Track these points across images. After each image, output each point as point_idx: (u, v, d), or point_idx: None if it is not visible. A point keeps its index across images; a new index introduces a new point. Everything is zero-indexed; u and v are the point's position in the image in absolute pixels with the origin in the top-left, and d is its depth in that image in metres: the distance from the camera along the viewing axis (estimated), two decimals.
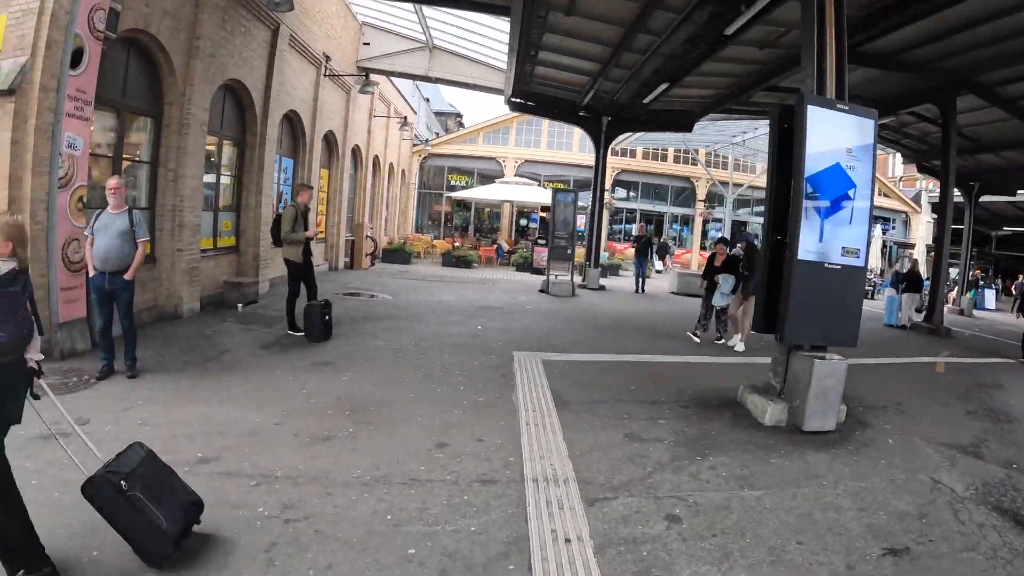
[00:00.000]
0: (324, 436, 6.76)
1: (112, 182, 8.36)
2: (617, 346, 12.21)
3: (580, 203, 23.06)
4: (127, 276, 8.22)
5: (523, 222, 42.73)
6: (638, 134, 29.75)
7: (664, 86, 17.06)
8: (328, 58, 19.62)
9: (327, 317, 11.14)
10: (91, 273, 8.25)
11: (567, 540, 4.86)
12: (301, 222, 11.14)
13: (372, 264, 25.43)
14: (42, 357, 3.96)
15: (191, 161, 12.18)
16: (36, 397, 3.98)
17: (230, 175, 15.25)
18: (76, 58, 8.94)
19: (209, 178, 13.92)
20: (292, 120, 18.12)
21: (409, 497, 5.48)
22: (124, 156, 11.28)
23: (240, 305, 13.56)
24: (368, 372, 9.27)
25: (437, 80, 24.85)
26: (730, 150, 36.86)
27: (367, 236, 24.93)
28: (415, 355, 10.42)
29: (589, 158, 37.35)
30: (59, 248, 8.81)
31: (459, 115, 55.36)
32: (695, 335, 13.15)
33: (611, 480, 6.05)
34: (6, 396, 3.65)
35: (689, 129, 23.22)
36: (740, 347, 12.50)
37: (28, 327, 3.70)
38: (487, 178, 40.41)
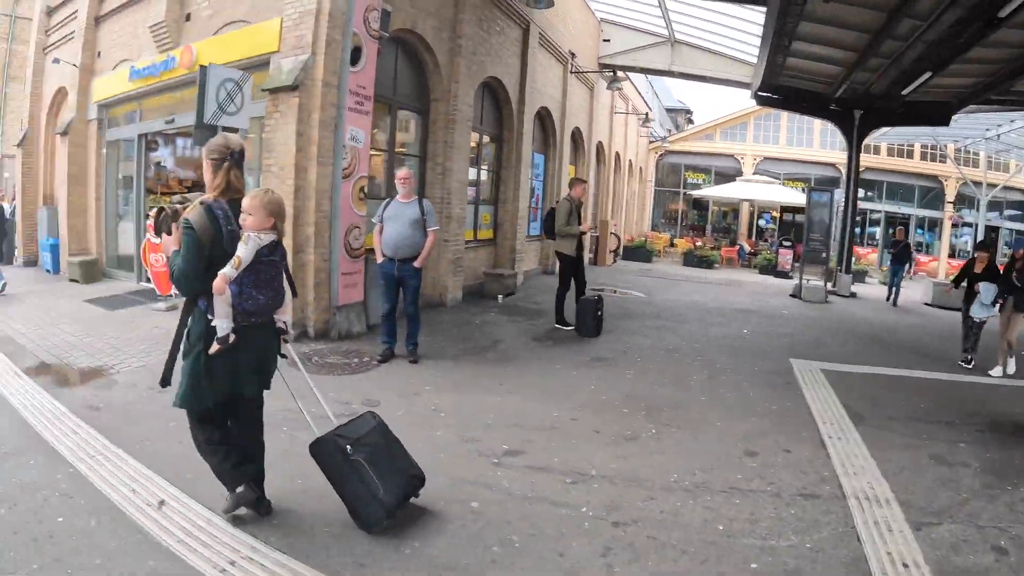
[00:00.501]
0: (628, 435, 6.44)
1: (402, 172, 8.55)
2: (889, 360, 11.00)
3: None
4: (416, 264, 8.31)
5: (761, 222, 40.08)
6: (888, 129, 27.07)
7: (926, 75, 15.42)
8: (573, 55, 19.65)
9: (599, 313, 10.92)
10: (379, 259, 8.44)
11: (904, 565, 4.31)
12: (575, 216, 11.00)
13: (614, 261, 25.23)
14: (289, 318, 4.42)
15: (457, 155, 12.50)
16: (283, 356, 4.36)
17: (489, 170, 15.54)
18: (354, 56, 9.33)
19: (471, 173, 14.24)
20: (542, 117, 18.27)
21: (735, 507, 5.03)
22: (397, 150, 11.73)
23: (500, 296, 13.71)
24: (650, 371, 8.91)
25: (679, 75, 24.00)
26: (982, 145, 32.02)
27: (611, 232, 24.74)
28: (690, 356, 9.96)
29: (830, 155, 34.78)
30: (342, 235, 9.22)
31: (689, 111, 53.25)
32: (966, 363, 11.18)
33: (930, 504, 5.34)
34: (265, 354, 4.17)
35: (945, 123, 20.58)
36: (1011, 368, 10.55)
37: (281, 293, 4.10)
38: (724, 176, 38.31)
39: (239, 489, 4.16)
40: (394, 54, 11.29)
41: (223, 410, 4.17)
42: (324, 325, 9.41)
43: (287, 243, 8.80)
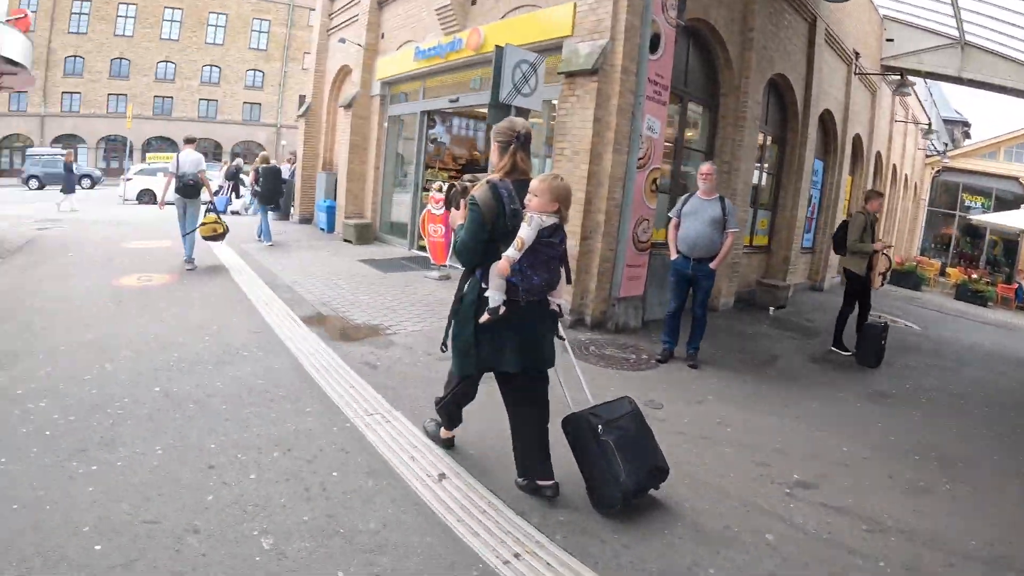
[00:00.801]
0: (921, 486, 5.61)
1: (705, 167, 8.01)
2: None
3: None
4: (712, 265, 7.80)
5: None
6: None
7: None
8: (857, 55, 18.21)
9: (882, 342, 9.88)
10: (673, 256, 8.01)
11: None
12: (870, 232, 9.98)
13: (882, 284, 23.40)
14: (563, 301, 4.41)
15: (745, 155, 11.79)
16: (560, 338, 4.43)
17: (769, 173, 14.68)
18: (653, 43, 8.89)
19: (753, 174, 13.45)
20: (824, 120, 17.01)
21: None
22: (685, 145, 11.23)
23: (772, 308, 12.88)
24: (938, 416, 7.80)
25: (969, 82, 21.62)
26: None
27: (883, 253, 22.94)
28: (979, 405, 8.60)
29: None
30: (631, 227, 8.84)
31: (967, 124, 48.22)
32: None
33: None
34: (533, 334, 4.18)
35: None
36: None
37: (557, 276, 4.11)
38: (1004, 202, 33.33)
39: (449, 431, 4.80)
40: (685, 45, 10.74)
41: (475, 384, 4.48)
42: (602, 316, 9.12)
43: (575, 227, 8.65)
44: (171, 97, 51.16)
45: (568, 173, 8.70)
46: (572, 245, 8.62)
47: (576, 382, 4.65)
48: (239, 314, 8.36)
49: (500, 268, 3.87)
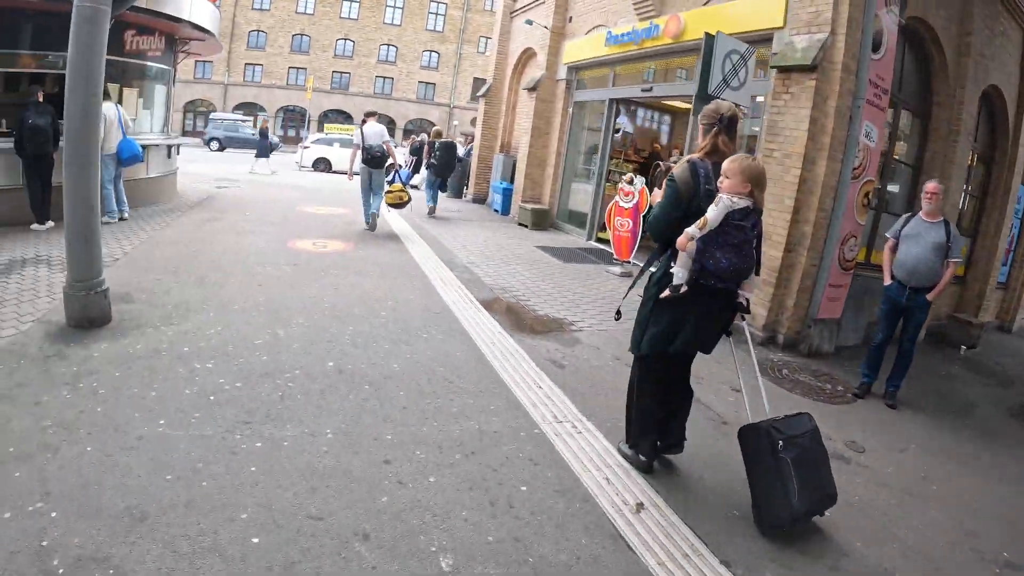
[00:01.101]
0: None
1: (931, 186, 7.08)
2: None
3: None
4: (930, 296, 6.93)
5: None
6: None
7: None
8: None
9: None
10: (887, 282, 7.15)
11: None
12: None
13: None
14: (752, 296, 4.15)
15: (955, 172, 10.56)
16: (728, 334, 4.22)
17: (971, 195, 13.31)
18: (875, 41, 7.99)
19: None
20: None
21: None
22: (894, 156, 10.22)
23: (963, 348, 11.64)
24: None
25: None
26: None
27: None
28: None
29: None
30: (838, 242, 7.99)
31: None
32: None
33: None
34: (707, 319, 4.01)
35: None
36: None
37: (749, 263, 3.91)
38: None
39: (640, 453, 4.31)
40: (901, 46, 9.70)
41: (666, 365, 4.24)
42: (796, 336, 8.32)
43: (780, 237, 7.97)
44: (348, 73, 52.93)
45: (777, 177, 8.01)
46: (774, 256, 8.01)
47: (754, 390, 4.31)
48: (415, 290, 8.11)
49: (679, 243, 3.82)
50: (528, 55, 17.51)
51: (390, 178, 12.58)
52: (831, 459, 4.19)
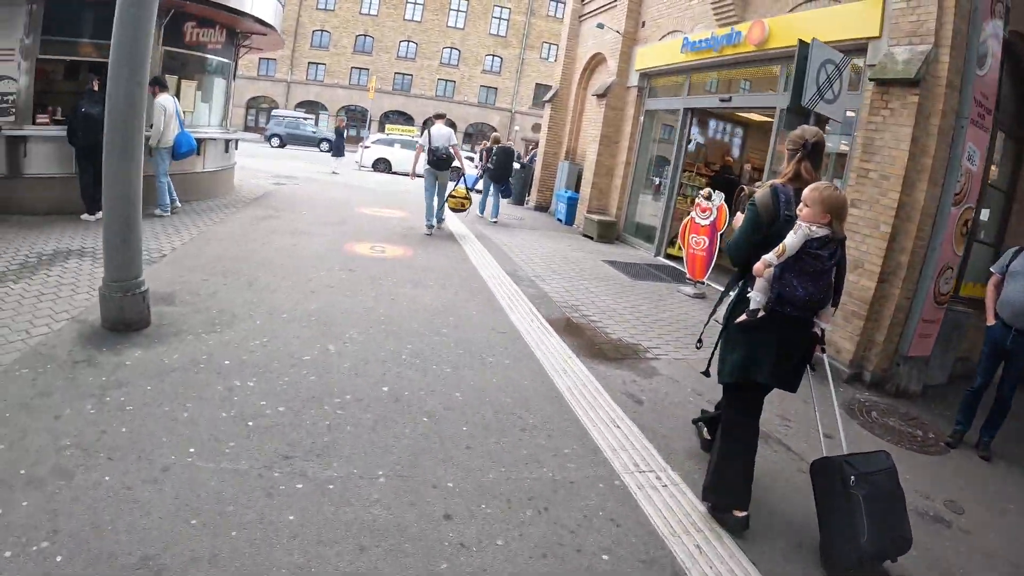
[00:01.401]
0: None
1: None
2: None
3: None
4: None
5: None
6: None
7: None
8: None
9: None
10: (990, 322, 6.47)
11: None
12: None
13: None
14: (829, 326, 4.08)
15: None
16: (812, 368, 4.12)
17: None
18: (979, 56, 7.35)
19: None
20: None
21: None
22: (989, 182, 9.49)
23: None
24: None
25: None
26: None
27: None
28: None
29: None
30: (935, 274, 7.30)
31: None
32: None
33: None
34: (789, 350, 3.87)
35: None
36: None
37: (825, 293, 3.82)
38: None
39: (731, 508, 3.88)
40: (998, 63, 9.00)
41: (753, 396, 4.06)
42: (883, 374, 7.62)
43: (874, 266, 7.27)
44: (411, 75, 52.86)
45: (872, 200, 7.39)
46: (867, 287, 7.37)
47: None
48: (478, 305, 7.61)
49: (756, 269, 3.78)
50: (597, 60, 16.91)
51: (455, 182, 12.45)
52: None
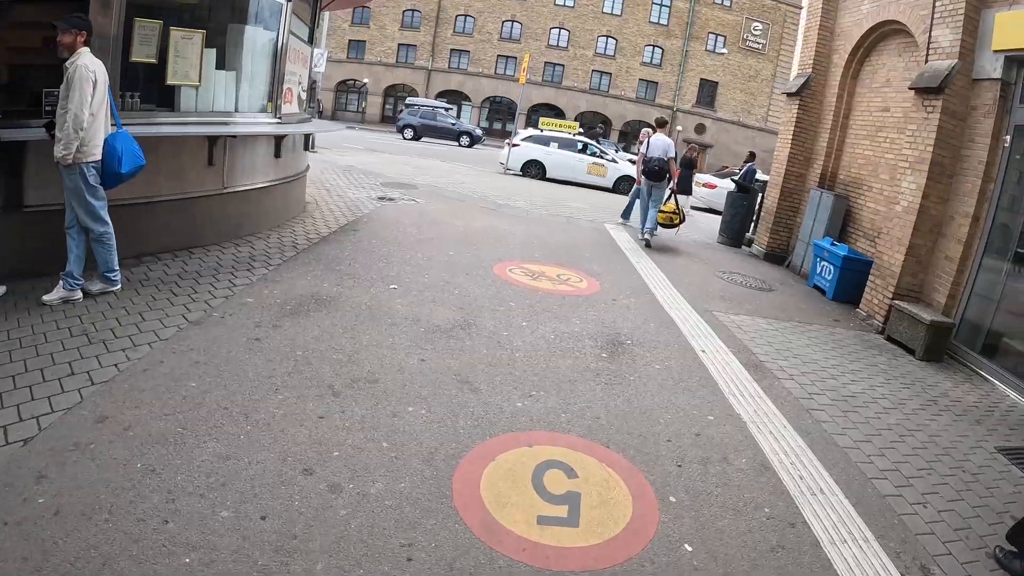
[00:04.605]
0: None
1: None
2: None
3: None
4: None
5: None
6: None
7: None
8: None
9: None
10: None
11: None
12: None
13: None
14: None
15: None
16: None
17: None
18: None
19: None
20: None
21: None
22: None
23: None
24: None
25: None
26: None
27: None
28: None
29: None
30: None
31: None
32: None
33: None
34: None
35: None
36: None
37: None
38: None
39: None
40: None
41: None
42: None
43: None
44: (562, 65, 47.67)
45: None
46: None
47: None
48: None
49: None
50: (883, 33, 10.24)
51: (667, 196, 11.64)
52: None
